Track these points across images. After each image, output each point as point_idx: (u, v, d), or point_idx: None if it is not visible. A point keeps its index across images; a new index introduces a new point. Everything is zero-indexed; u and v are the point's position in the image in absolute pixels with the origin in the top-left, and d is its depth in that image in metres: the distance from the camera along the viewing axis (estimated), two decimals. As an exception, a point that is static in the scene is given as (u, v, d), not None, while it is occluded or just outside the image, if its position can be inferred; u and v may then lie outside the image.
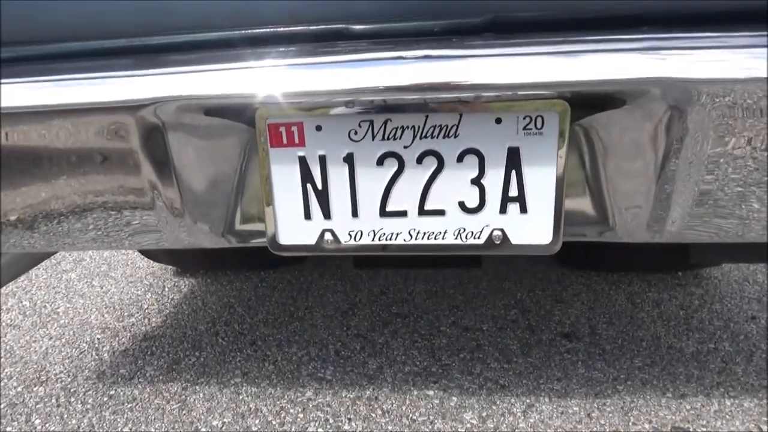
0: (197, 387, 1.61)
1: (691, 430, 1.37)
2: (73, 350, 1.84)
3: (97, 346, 1.87)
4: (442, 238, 0.90)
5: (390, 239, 0.91)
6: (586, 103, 0.80)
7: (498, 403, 1.49)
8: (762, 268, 2.43)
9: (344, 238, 0.91)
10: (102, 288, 2.36)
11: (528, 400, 1.50)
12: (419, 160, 0.86)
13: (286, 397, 1.55)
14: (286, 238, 0.93)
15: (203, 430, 1.42)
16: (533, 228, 0.89)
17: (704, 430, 1.37)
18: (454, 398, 1.52)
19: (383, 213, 0.89)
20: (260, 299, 2.17)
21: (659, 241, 0.88)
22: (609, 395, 1.51)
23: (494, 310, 2.02)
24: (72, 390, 1.62)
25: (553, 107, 0.81)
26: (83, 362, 1.77)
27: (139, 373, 1.69)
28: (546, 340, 1.79)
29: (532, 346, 1.76)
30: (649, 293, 2.13)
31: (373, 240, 0.91)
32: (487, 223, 0.89)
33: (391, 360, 1.71)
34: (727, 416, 1.42)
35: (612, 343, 1.76)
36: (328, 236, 0.91)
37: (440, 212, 0.89)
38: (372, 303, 2.11)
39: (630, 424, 1.40)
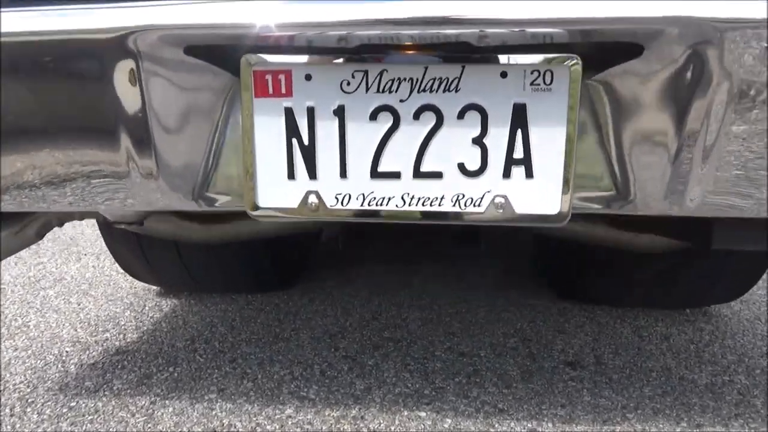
0: (167, 401, 1.48)
1: (709, 461, 1.24)
2: (38, 362, 1.71)
3: (64, 358, 1.73)
4: (439, 205, 0.82)
5: (381, 204, 0.82)
6: (600, 55, 0.74)
7: (496, 426, 1.36)
8: (774, 308, 2.32)
9: (330, 202, 0.83)
10: (79, 305, 2.23)
11: (530, 425, 1.37)
12: (416, 116, 0.79)
13: (263, 413, 1.41)
14: (266, 200, 0.84)
15: (169, 444, 1.28)
16: (540, 195, 0.80)
17: (724, 461, 1.24)
18: (448, 420, 1.39)
19: (374, 174, 0.81)
20: (245, 320, 2.05)
21: (678, 214, 0.79)
22: (618, 422, 1.38)
23: (492, 337, 1.89)
24: (29, 400, 1.48)
25: (564, 61, 0.74)
26: (47, 374, 1.63)
27: (105, 386, 1.56)
28: (548, 367, 1.66)
29: (533, 372, 1.63)
30: (656, 327, 2.01)
31: (362, 204, 0.82)
32: (489, 188, 0.80)
33: (380, 381, 1.58)
34: (749, 448, 1.29)
35: (619, 372, 1.64)
36: (312, 199, 0.83)
37: (437, 174, 0.80)
38: (363, 327, 1.98)
39: (642, 452, 1.27)
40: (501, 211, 0.81)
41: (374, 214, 0.83)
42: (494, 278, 2.67)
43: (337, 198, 0.83)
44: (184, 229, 1.53)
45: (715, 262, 1.86)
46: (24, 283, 2.54)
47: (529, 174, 0.79)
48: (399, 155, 0.80)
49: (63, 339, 1.88)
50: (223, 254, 2.05)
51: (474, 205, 0.81)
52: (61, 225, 1.39)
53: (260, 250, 2.09)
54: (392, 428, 1.34)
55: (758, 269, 1.92)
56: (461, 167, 0.80)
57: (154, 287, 2.40)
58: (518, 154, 0.79)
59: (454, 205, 0.81)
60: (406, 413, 1.42)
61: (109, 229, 2.04)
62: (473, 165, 0.79)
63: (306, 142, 0.80)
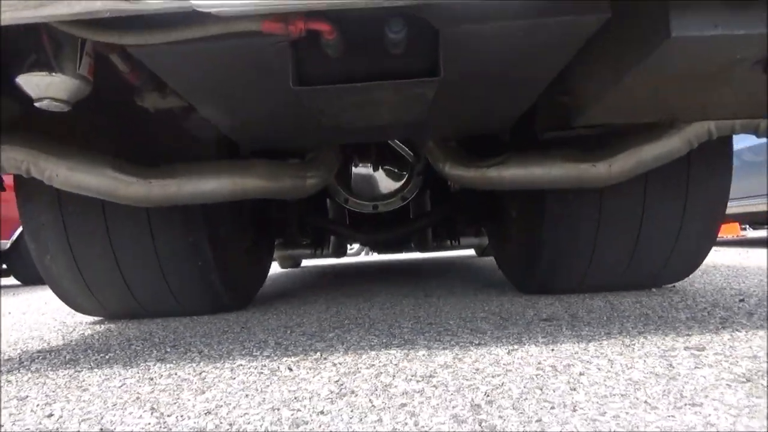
0: (95, 370, 1.26)
1: (706, 348, 1.14)
2: (-59, 361, 1.46)
3: (-27, 358, 1.49)
4: (393, -22, 0.77)
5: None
6: None
7: (473, 351, 1.22)
8: (736, 282, 2.30)
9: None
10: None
11: (511, 347, 1.23)
12: None
13: (209, 366, 1.22)
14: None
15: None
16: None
17: (719, 349, 1.14)
18: (422, 351, 1.24)
19: (323, -53, 0.77)
20: (187, 327, 1.84)
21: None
22: (602, 341, 1.27)
23: (461, 314, 1.77)
24: (-75, 380, 1.23)
25: None
26: (-50, 367, 1.38)
27: (23, 368, 1.33)
28: (523, 323, 1.55)
29: (507, 326, 1.51)
30: (626, 297, 1.94)
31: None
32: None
33: (343, 341, 1.42)
34: (737, 343, 1.20)
35: (596, 320, 1.54)
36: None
37: (389, -56, 0.77)
38: (321, 320, 1.82)
39: (635, 349, 1.16)
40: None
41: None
42: (462, 288, 2.57)
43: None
44: (119, 183, 1.40)
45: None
46: (-67, 330, 2.24)
47: (482, -65, 0.77)
48: (348, -75, 0.77)
49: (-26, 349, 1.63)
50: (170, 273, 1.89)
51: (430, -25, 0.77)
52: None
53: (211, 268, 1.91)
54: (358, 363, 1.18)
55: (704, 246, 1.93)
56: (413, -66, 0.77)
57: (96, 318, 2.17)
58: None
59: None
60: (373, 353, 1.26)
61: (46, 260, 1.86)
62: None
63: None
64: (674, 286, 2.21)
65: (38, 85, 0.98)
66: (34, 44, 0.96)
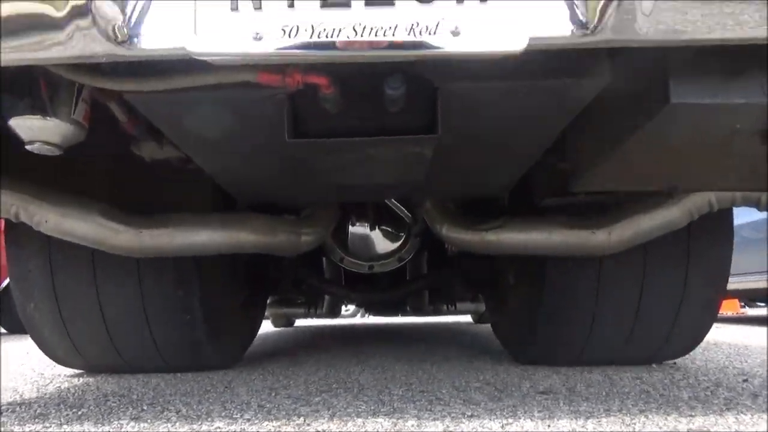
0: (65, 427, 1.19)
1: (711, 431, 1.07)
2: None
3: (-61, 409, 1.41)
4: (393, 35, 0.77)
5: (331, 36, 0.77)
6: None
7: (465, 423, 1.15)
8: (739, 360, 2.22)
9: (277, 35, 0.77)
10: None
11: (504, 421, 1.17)
12: (365, -55, 0.78)
13: (186, 428, 1.16)
14: (205, 41, 0.77)
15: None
16: (495, 23, 0.78)
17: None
18: (411, 422, 1.17)
19: (325, 3, 0.77)
20: (169, 384, 1.76)
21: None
22: (602, 417, 1.20)
23: (454, 382, 1.70)
24: None
25: None
26: None
27: (-13, 421, 1.25)
28: (518, 395, 1.48)
29: (502, 398, 1.44)
30: (626, 373, 1.87)
31: (311, 37, 0.77)
32: (443, 15, 0.78)
33: (329, 407, 1.35)
34: (743, 427, 1.14)
35: (595, 396, 1.47)
36: (258, 31, 0.77)
37: (389, 2, 0.78)
38: (308, 383, 1.75)
39: (636, 428, 1.09)
40: (456, 37, 0.77)
41: (324, 47, 0.77)
42: (457, 354, 2.49)
43: (284, 30, 0.77)
44: (109, 231, 1.37)
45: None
46: None
47: (482, -4, 0.77)
48: (349, -17, 0.77)
49: (-58, 399, 1.55)
50: (156, 327, 1.83)
51: (429, 33, 0.77)
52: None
53: (199, 324, 1.85)
54: (344, 430, 1.12)
55: (706, 320, 1.89)
56: (412, -7, 0.78)
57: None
58: (469, -22, 0.78)
59: (408, 34, 0.77)
60: (360, 420, 1.19)
61: (29, 308, 1.81)
62: (424, -9, 0.78)
63: (251, -31, 0.77)
64: (675, 363, 2.14)
65: (31, 128, 0.96)
66: (30, 88, 0.96)
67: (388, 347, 2.98)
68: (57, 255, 1.75)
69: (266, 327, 5.21)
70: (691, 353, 2.37)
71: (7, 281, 5.87)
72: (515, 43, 0.78)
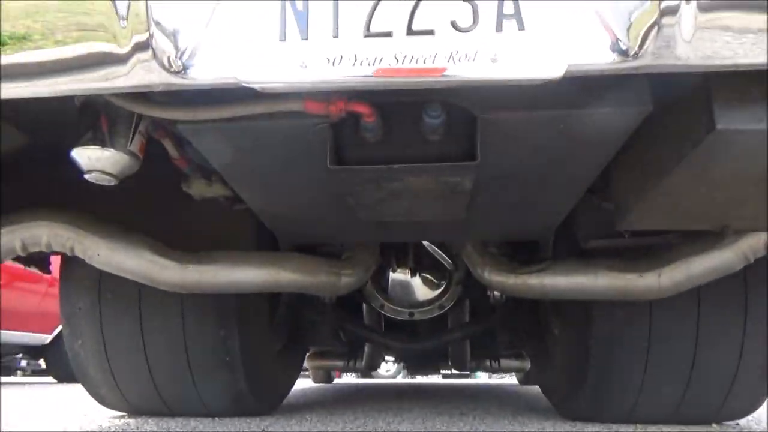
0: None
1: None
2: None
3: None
4: (432, 62, 0.80)
5: (373, 63, 0.80)
6: None
7: None
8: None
9: (322, 63, 0.81)
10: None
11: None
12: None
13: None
14: (254, 70, 0.81)
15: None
16: (533, 50, 0.79)
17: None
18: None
19: (368, 33, 0.81)
20: (209, 425, 1.75)
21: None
22: None
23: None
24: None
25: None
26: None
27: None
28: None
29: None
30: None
31: (354, 65, 0.80)
32: (482, 43, 0.80)
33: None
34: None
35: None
36: (304, 60, 0.81)
37: (429, 32, 0.81)
38: (345, 425, 1.71)
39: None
40: (494, 64, 0.79)
41: (367, 74, 0.80)
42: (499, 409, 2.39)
43: (328, 59, 0.81)
44: (156, 266, 1.41)
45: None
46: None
47: (520, 26, 0.79)
48: (391, 14, 0.81)
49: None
50: (197, 367, 1.85)
51: (468, 60, 0.80)
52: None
53: (238, 366, 1.86)
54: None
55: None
56: (453, 24, 0.80)
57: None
58: (509, 9, 0.80)
59: (448, 62, 0.80)
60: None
61: (76, 345, 1.87)
62: (465, 21, 0.80)
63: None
64: (738, 424, 1.99)
65: (90, 157, 1.02)
66: (91, 121, 1.02)
67: (428, 401, 2.89)
68: (106, 293, 1.80)
69: (305, 383, 5.16)
70: (756, 413, 2.21)
71: (56, 331, 6.05)
72: (554, 70, 0.79)
